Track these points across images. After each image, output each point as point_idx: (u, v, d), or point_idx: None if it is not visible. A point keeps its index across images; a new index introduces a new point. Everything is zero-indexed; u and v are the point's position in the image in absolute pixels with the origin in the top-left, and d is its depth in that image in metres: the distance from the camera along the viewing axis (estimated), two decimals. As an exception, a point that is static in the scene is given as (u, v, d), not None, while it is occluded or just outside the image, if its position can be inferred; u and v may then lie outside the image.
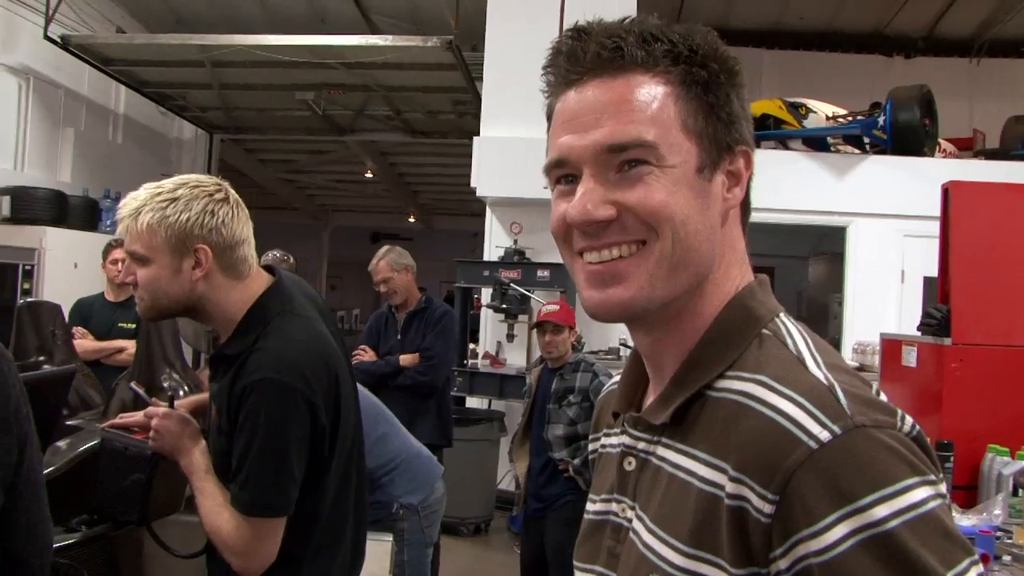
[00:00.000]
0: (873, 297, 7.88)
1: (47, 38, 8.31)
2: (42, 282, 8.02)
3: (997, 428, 3.73)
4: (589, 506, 1.11)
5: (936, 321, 3.93)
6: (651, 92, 0.95)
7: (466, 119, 10.23)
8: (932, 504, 0.81)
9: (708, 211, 0.97)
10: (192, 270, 1.96)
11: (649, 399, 1.07)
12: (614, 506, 1.05)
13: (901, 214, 7.71)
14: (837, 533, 0.79)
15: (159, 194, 1.96)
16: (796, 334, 0.96)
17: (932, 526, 0.80)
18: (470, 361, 7.73)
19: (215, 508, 1.96)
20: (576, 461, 4.40)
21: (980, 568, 0.83)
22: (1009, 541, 2.97)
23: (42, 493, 1.55)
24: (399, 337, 5.49)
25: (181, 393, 2.84)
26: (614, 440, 1.10)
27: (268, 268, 2.15)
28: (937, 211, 7.05)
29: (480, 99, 8.70)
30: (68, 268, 8.13)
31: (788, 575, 0.82)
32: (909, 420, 0.86)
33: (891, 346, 4.44)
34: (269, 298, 2.04)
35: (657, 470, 0.99)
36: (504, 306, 7.13)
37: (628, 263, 0.96)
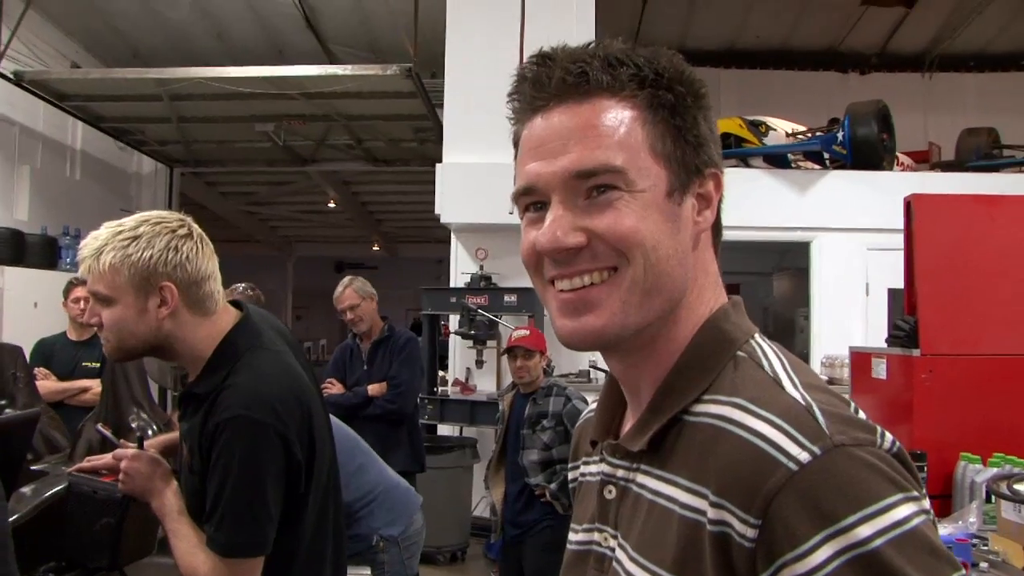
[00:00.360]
0: (839, 311, 7.95)
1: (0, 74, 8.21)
2: (0, 322, 7.86)
3: (968, 436, 3.77)
4: (571, 536, 1.09)
5: (904, 333, 3.97)
6: (618, 116, 0.94)
7: (427, 146, 10.22)
8: (916, 521, 0.81)
9: (679, 235, 0.96)
10: (158, 308, 1.92)
11: (627, 425, 1.05)
12: (596, 535, 1.03)
13: (864, 228, 7.79)
14: (822, 555, 0.79)
15: (120, 232, 1.92)
16: (771, 355, 0.95)
17: (917, 543, 0.80)
18: (440, 388, 7.68)
19: (190, 550, 1.91)
20: (552, 486, 4.38)
21: None
22: (985, 548, 2.98)
23: (8, 543, 1.49)
24: (365, 367, 5.47)
25: (150, 433, 2.78)
26: (593, 468, 1.08)
27: (235, 303, 2.11)
28: (899, 224, 7.17)
29: (441, 126, 8.71)
30: (27, 308, 7.98)
31: None
32: (889, 437, 0.85)
33: (860, 359, 4.47)
34: (237, 334, 2.00)
35: (637, 497, 0.97)
36: (472, 332, 7.10)
37: (600, 290, 0.95)
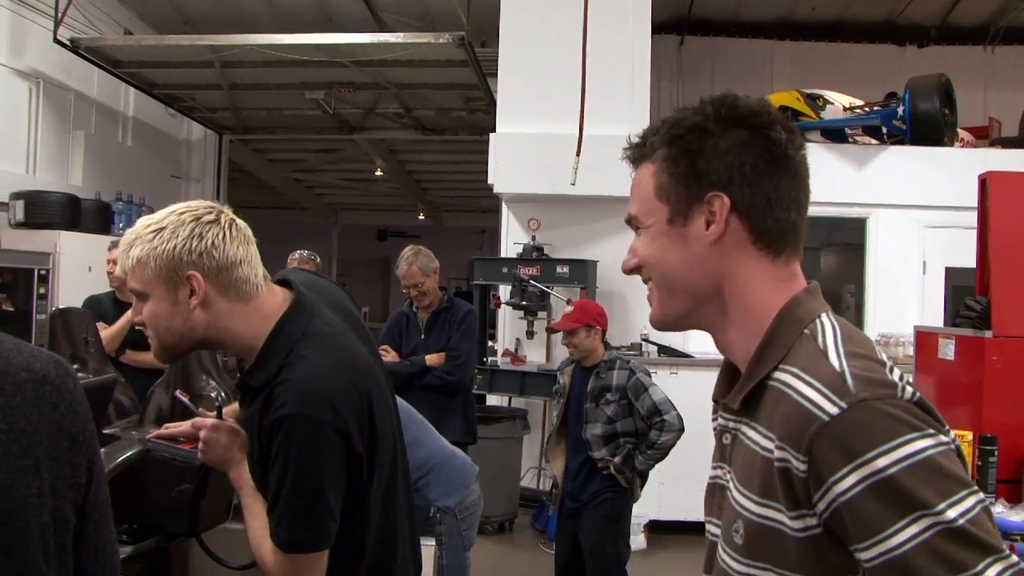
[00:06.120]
0: (894, 289, 7.82)
1: (56, 41, 8.25)
2: (57, 287, 7.96)
3: (1040, 421, 3.69)
4: (710, 470, 1.38)
5: (976, 313, 3.88)
6: (642, 176, 1.33)
7: (477, 116, 10.17)
8: (929, 452, 1.07)
9: (689, 248, 1.28)
10: (189, 299, 1.87)
11: None
12: (719, 472, 1.34)
13: (922, 204, 7.65)
14: (850, 481, 1.07)
15: (149, 225, 1.89)
16: (828, 330, 1.22)
17: (928, 469, 1.06)
18: (489, 359, 7.68)
19: (261, 532, 1.90)
20: (617, 459, 4.35)
21: (980, 496, 1.08)
22: (1060, 536, 2.92)
23: (109, 513, 1.49)
24: (422, 336, 5.44)
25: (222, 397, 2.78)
26: (719, 421, 1.36)
27: (284, 282, 2.05)
28: (959, 201, 7.03)
29: (491, 95, 8.64)
30: (82, 272, 8.06)
31: (825, 513, 1.10)
32: (909, 389, 1.12)
33: (926, 339, 4.38)
34: (288, 321, 1.93)
35: (742, 442, 1.26)
36: (524, 303, 7.07)
37: (651, 292, 1.36)
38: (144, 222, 1.91)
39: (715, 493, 1.35)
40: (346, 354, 1.95)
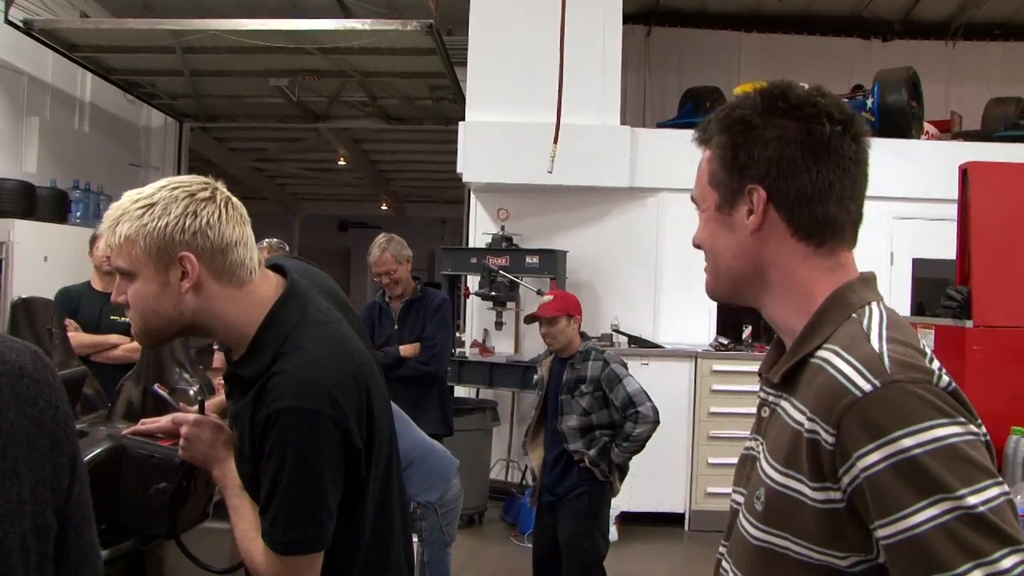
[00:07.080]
0: (863, 280, 7.84)
1: (8, 22, 8.00)
2: (11, 276, 7.75)
3: (1020, 410, 3.69)
4: (746, 442, 1.44)
5: (956, 303, 3.87)
6: (703, 161, 1.40)
7: (443, 105, 10.05)
8: (955, 439, 1.09)
9: (735, 234, 1.35)
10: (180, 282, 1.74)
11: None
12: (753, 444, 1.39)
13: (890, 196, 7.67)
14: (874, 458, 1.10)
15: (138, 200, 1.75)
16: (875, 316, 1.25)
17: (953, 455, 1.08)
18: (458, 349, 7.59)
19: (250, 533, 1.79)
20: (592, 452, 4.29)
21: (1005, 488, 1.08)
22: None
23: (91, 516, 1.39)
24: (396, 327, 5.35)
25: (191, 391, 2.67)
26: (761, 395, 1.41)
27: (277, 267, 1.93)
28: (926, 193, 7.08)
29: (458, 84, 8.53)
30: (38, 262, 7.88)
31: (849, 488, 1.13)
32: (945, 379, 1.15)
33: (904, 330, 4.38)
34: (282, 308, 1.81)
35: (778, 416, 1.31)
36: (493, 293, 6.99)
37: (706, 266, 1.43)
38: (132, 196, 1.77)
39: (746, 464, 1.41)
40: (343, 343, 1.84)
